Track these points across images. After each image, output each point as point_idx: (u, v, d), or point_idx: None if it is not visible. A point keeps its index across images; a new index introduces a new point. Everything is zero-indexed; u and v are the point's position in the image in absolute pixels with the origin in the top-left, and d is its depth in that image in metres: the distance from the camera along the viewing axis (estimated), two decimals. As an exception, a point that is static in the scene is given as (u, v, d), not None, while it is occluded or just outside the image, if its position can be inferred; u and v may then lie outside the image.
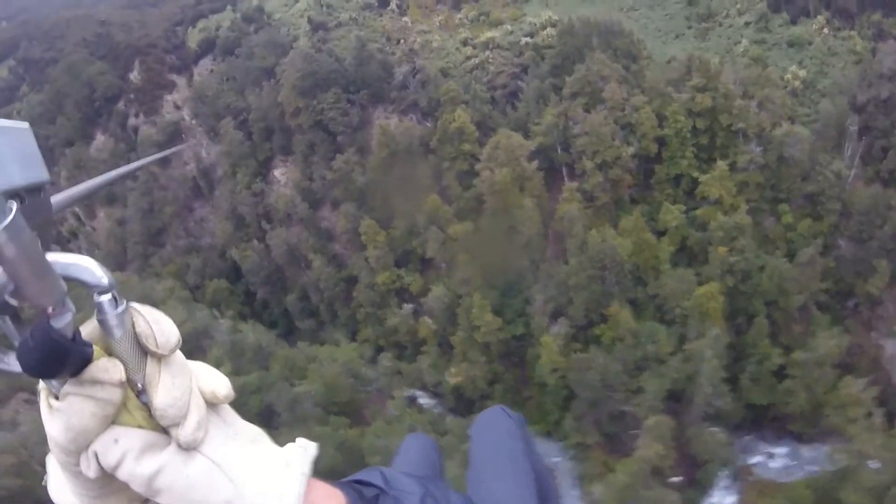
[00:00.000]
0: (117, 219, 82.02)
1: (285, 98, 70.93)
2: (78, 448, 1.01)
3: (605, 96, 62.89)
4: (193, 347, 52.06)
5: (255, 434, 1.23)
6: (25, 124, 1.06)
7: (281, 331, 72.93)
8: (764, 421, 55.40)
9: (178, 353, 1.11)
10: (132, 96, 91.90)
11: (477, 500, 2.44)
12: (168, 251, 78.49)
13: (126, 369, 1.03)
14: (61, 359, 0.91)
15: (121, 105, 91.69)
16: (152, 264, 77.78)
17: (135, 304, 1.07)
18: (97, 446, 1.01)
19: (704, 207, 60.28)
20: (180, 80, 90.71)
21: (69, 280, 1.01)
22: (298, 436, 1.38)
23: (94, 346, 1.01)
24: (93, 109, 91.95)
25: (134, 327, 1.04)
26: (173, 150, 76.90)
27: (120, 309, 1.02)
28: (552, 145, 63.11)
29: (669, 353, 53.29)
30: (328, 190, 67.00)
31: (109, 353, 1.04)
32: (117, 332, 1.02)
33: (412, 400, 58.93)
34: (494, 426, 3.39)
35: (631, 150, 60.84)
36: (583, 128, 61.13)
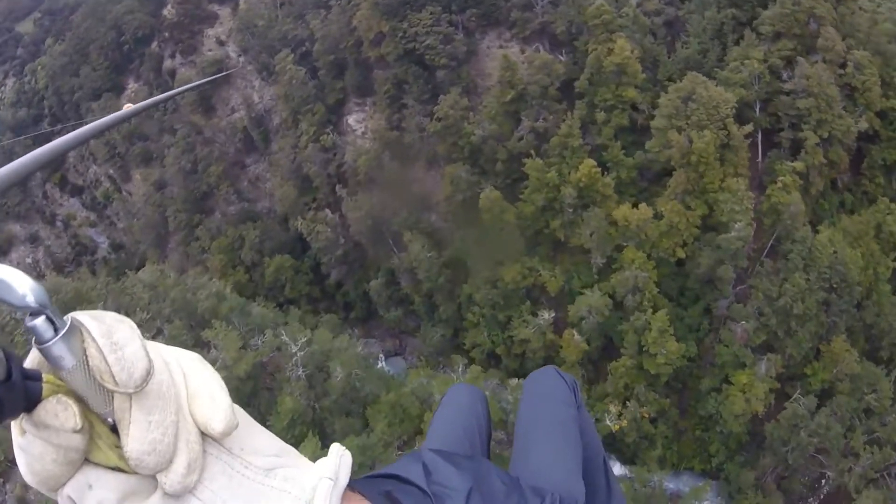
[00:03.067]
0: (155, 182, 62.35)
1: (362, 21, 49.43)
2: (49, 490, 0.80)
3: (821, 45, 41.37)
4: (259, 383, 33.41)
5: (271, 458, 0.91)
6: None
7: (358, 315, 54.24)
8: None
9: (157, 381, 0.79)
10: (167, 35, 71.60)
11: (519, 466, 2.40)
12: (217, 220, 59.00)
13: (89, 403, 0.77)
14: None
15: (154, 46, 71.92)
16: (199, 237, 58.49)
17: (84, 322, 0.77)
18: (69, 490, 0.79)
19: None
20: (223, 11, 69.29)
21: None
22: None
23: (47, 379, 0.75)
24: (122, 55, 72.60)
25: (86, 356, 0.76)
26: (203, 81, 55.62)
27: (61, 334, 0.73)
28: (751, 103, 41.63)
29: (888, 406, 38.85)
30: (426, 144, 46.13)
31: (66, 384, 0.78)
32: (66, 363, 0.74)
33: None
34: (547, 389, 2.84)
35: (863, 123, 41.28)
36: (803, 84, 39.70)
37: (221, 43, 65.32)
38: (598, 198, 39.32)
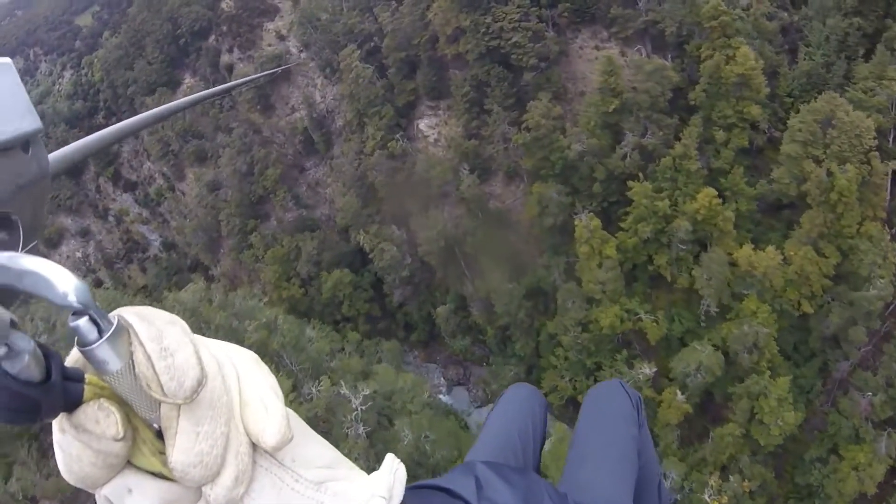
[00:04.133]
0: (208, 182, 58.51)
1: (438, 14, 43.89)
2: (86, 488, 0.75)
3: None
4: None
5: (323, 471, 0.86)
6: (6, 60, 0.76)
7: (420, 338, 49.27)
8: None
9: (209, 389, 0.73)
10: (224, 28, 67.91)
11: (571, 478, 2.33)
12: (272, 226, 54.70)
13: (133, 407, 0.71)
14: (30, 408, 0.62)
15: (211, 40, 68.30)
16: (252, 244, 54.27)
17: (133, 323, 0.70)
18: (108, 492, 0.75)
19: None
20: (284, 3, 65.03)
21: (28, 295, 0.66)
22: None
23: (89, 381, 0.69)
24: (178, 48, 69.06)
25: (132, 360, 0.69)
26: (258, 76, 51.37)
27: (105, 337, 0.66)
28: (886, 131, 34.85)
29: None
30: (508, 156, 40.33)
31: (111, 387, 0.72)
32: (111, 366, 0.67)
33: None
34: (610, 403, 2.69)
35: None
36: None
37: (282, 37, 60.97)
38: (716, 234, 32.75)
